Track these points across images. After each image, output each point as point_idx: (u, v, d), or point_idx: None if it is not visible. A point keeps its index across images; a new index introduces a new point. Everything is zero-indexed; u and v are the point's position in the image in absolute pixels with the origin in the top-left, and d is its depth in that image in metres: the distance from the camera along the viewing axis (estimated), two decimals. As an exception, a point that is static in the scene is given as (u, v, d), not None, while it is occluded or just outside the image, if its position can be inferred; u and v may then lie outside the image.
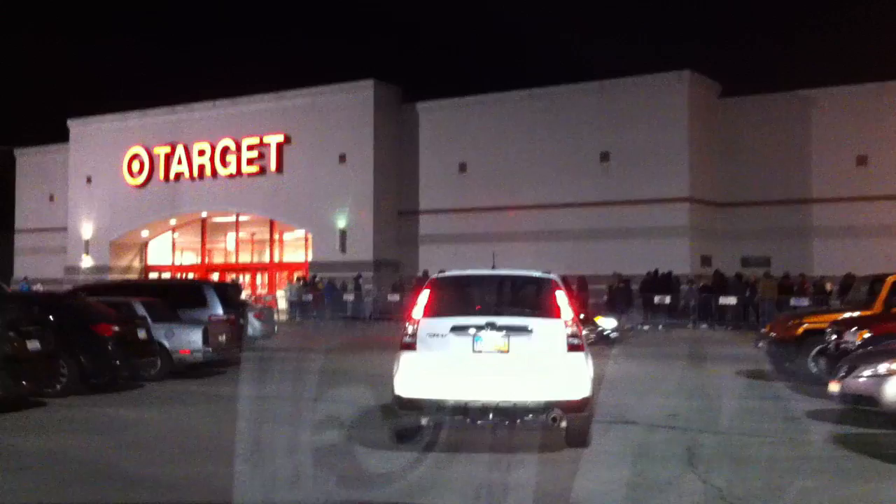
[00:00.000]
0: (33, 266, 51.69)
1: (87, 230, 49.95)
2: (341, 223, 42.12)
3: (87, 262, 49.77)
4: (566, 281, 13.72)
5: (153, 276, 50.51)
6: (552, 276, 9.90)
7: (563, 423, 9.12)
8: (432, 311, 9.40)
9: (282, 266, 46.59)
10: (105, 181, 48.98)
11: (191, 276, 47.04)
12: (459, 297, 9.86)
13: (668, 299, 32.31)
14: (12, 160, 55.00)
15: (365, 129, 41.47)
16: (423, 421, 9.30)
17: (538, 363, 9.02)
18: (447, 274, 10.08)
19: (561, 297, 9.42)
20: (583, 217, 37.69)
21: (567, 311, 9.31)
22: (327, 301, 39.41)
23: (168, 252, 50.43)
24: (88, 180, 49.76)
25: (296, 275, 43.43)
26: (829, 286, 31.60)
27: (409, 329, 9.37)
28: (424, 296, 9.54)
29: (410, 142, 42.17)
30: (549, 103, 39.07)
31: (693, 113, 36.70)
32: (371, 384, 14.30)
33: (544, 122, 38.94)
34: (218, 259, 49.49)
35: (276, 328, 25.50)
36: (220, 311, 19.24)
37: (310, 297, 40.13)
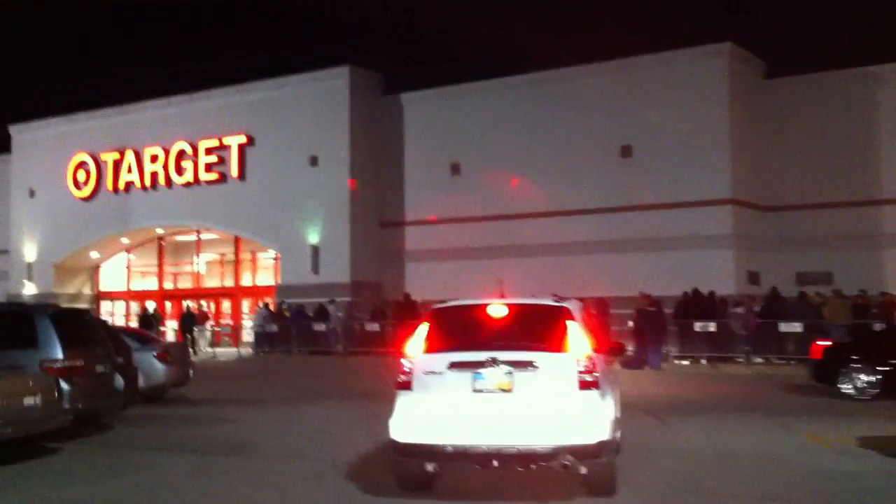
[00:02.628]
0: (-25, 294, 45.06)
1: (30, 251, 43.51)
2: (313, 238, 35.49)
3: (29, 288, 43.26)
4: (588, 308, 11.71)
5: (106, 304, 44.04)
6: (565, 304, 9.12)
7: (583, 470, 8.45)
8: (430, 345, 8.82)
9: (248, 291, 39.95)
10: (49, 194, 42.59)
11: (150, 305, 40.47)
12: (460, 330, 9.10)
13: (712, 326, 25.51)
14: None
15: (340, 126, 34.95)
16: (429, 467, 8.69)
17: (546, 403, 8.33)
18: (447, 304, 9.40)
19: (573, 328, 8.67)
20: (601, 225, 30.94)
21: (580, 343, 8.57)
22: (295, 332, 32.75)
23: (122, 276, 43.89)
24: (31, 193, 43.37)
25: (261, 301, 36.77)
26: (917, 306, 24.77)
27: (405, 366, 8.73)
28: (423, 329, 8.95)
29: (394, 140, 35.59)
30: (557, 89, 32.43)
31: (735, 96, 29.99)
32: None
33: (552, 112, 32.30)
34: (184, 284, 42.95)
35: (191, 371, 18.82)
36: (58, 352, 12.54)
37: (273, 327, 33.46)
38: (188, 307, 37.58)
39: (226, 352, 35.41)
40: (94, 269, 44.06)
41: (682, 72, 30.24)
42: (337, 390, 20.74)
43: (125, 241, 42.48)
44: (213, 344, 37.30)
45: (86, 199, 41.40)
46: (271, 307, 35.06)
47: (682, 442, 12.39)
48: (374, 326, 31.74)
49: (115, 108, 40.80)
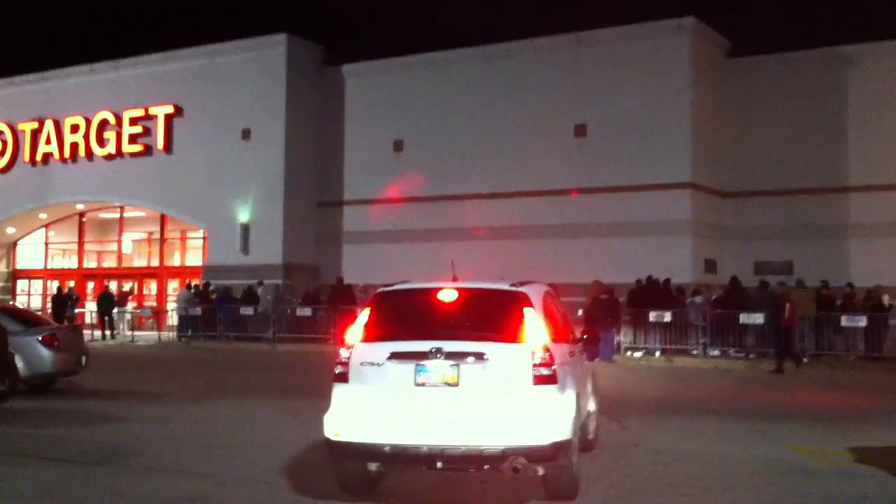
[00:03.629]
0: None
1: (-60, 227, 40.38)
2: (244, 217, 33.07)
3: (-61, 266, 40.20)
4: (552, 294, 9.36)
5: (22, 283, 41.13)
6: (522, 289, 8.11)
7: (540, 472, 7.62)
8: (371, 333, 7.92)
9: (174, 271, 37.37)
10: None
11: (70, 284, 37.69)
12: (405, 317, 8.18)
13: (668, 316, 23.72)
14: None
15: (275, 98, 32.57)
16: (372, 466, 7.80)
17: (495, 399, 7.53)
18: (392, 288, 8.40)
19: (530, 316, 7.80)
20: (553, 208, 29.03)
21: (536, 333, 7.71)
22: (221, 316, 30.33)
23: (40, 254, 40.97)
24: (-57, 164, 40.13)
25: (189, 282, 34.23)
26: (886, 298, 23.23)
27: (342, 356, 7.83)
28: (364, 315, 8.05)
29: (333, 114, 33.29)
30: (508, 63, 30.40)
31: (697, 74, 28.25)
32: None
33: (503, 88, 30.27)
34: (108, 263, 40.21)
35: (83, 358, 16.45)
36: None
37: (198, 310, 30.99)
38: (106, 287, 34.95)
39: (148, 336, 32.92)
40: (11, 246, 41.07)
41: (642, 48, 28.39)
42: (259, 382, 18.63)
43: (44, 216, 39.59)
44: (135, 327, 34.73)
45: (1, 171, 38.44)
46: (199, 288, 32.60)
47: (647, 449, 10.47)
48: (305, 311, 29.47)
49: (35, 74, 37.86)
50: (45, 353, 15.41)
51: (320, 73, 33.57)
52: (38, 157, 37.42)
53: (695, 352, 23.66)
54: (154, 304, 37.44)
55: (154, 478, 8.94)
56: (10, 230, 40.22)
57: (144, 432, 11.81)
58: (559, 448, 7.44)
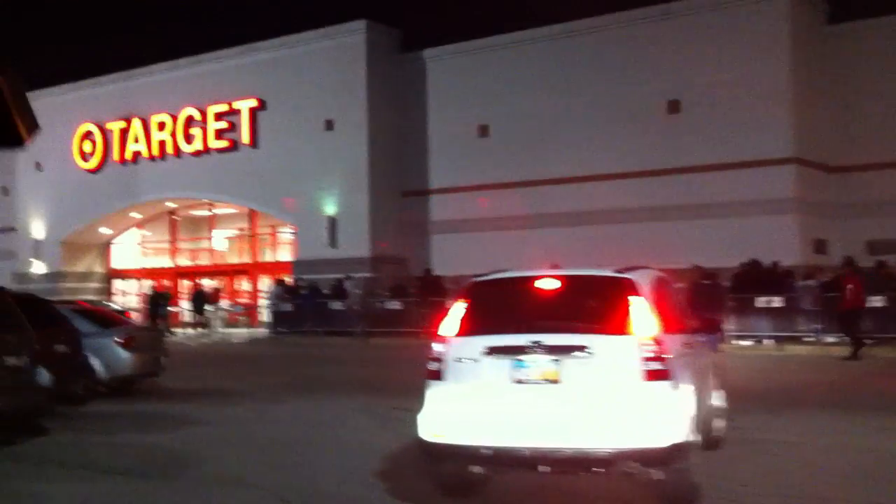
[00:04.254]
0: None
1: (37, 228, 41.13)
2: (330, 209, 32.61)
3: (37, 267, 40.92)
4: (665, 280, 8.48)
5: (117, 282, 41.65)
6: (629, 275, 7.37)
7: (657, 476, 6.84)
8: (466, 327, 7.36)
9: (265, 267, 37.21)
10: (55, 167, 40.07)
11: (164, 283, 37.94)
12: (502, 308, 7.66)
13: (777, 301, 22.24)
14: (-41, 148, 46.35)
15: (356, 87, 31.98)
16: (475, 469, 7.25)
17: (602, 397, 6.84)
18: (488, 277, 7.82)
19: (638, 304, 7.04)
20: (645, 190, 27.71)
21: (646, 323, 6.96)
22: (309, 311, 29.95)
23: (135, 253, 41.42)
24: (38, 167, 40.82)
25: (281, 279, 33.95)
26: None
27: (436, 351, 7.30)
28: (459, 307, 7.49)
29: (416, 101, 32.52)
30: (595, 39, 29.15)
31: (796, 42, 26.56)
32: None
33: (589, 66, 29.05)
34: (201, 261, 40.40)
35: (162, 359, 16.01)
36: None
37: (288, 306, 30.70)
38: (199, 285, 34.99)
39: (241, 332, 32.83)
40: (105, 246, 41.62)
41: (736, 15, 26.81)
42: (345, 379, 17.92)
43: (135, 215, 39.96)
44: (228, 324, 34.73)
45: (93, 172, 38.89)
46: (288, 284, 32.34)
47: (775, 445, 9.42)
48: (395, 305, 28.84)
49: (120, 73, 38.14)
50: (122, 354, 14.98)
51: (401, 59, 32.85)
52: (128, 155, 37.71)
53: (807, 339, 22.14)
54: (246, 300, 37.39)
55: (212, 492, 8.26)
56: (104, 230, 40.71)
57: (217, 437, 11.21)
58: (676, 450, 6.77)
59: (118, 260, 41.69)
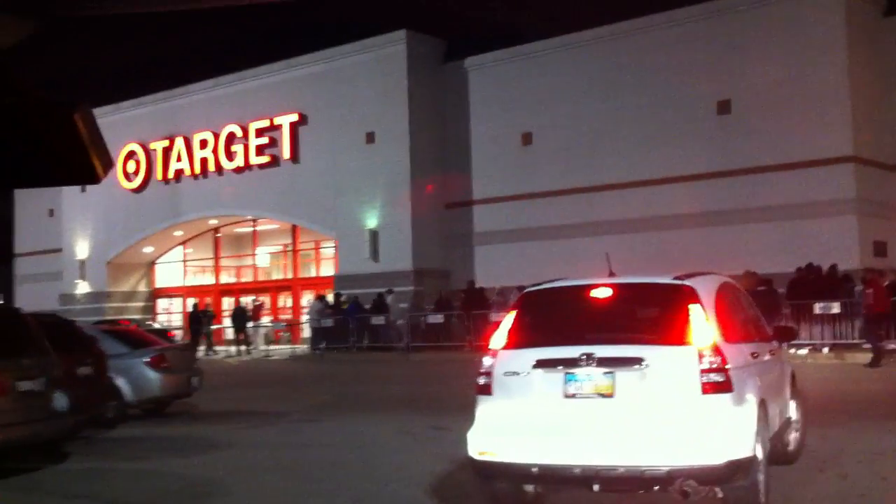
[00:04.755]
0: (34, 294, 42.76)
1: (82, 249, 41.20)
2: (372, 223, 32.07)
3: (82, 287, 40.96)
4: (733, 287, 8.14)
5: (162, 301, 41.53)
6: (688, 282, 7.00)
7: (720, 494, 6.61)
8: (516, 339, 7.13)
9: (307, 282, 36.77)
10: (100, 188, 39.91)
11: (207, 301, 37.70)
12: (554, 319, 7.44)
13: (835, 307, 21.17)
14: (7, 171, 46.68)
15: (397, 98, 31.44)
16: (528, 488, 7.14)
17: (657, 412, 6.54)
18: (540, 287, 7.56)
19: (697, 313, 6.70)
20: (696, 195, 26.71)
21: (705, 333, 6.60)
22: (352, 326, 29.39)
23: (178, 272, 41.27)
24: (82, 188, 40.83)
25: (324, 293, 33.46)
26: None
27: (486, 365, 7.05)
28: (509, 318, 7.28)
29: (458, 111, 31.89)
30: (640, 42, 28.26)
31: (852, 35, 25.46)
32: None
33: (634, 69, 28.16)
34: (244, 278, 40.14)
35: (195, 379, 15.45)
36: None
37: (329, 321, 30.17)
38: (239, 302, 34.64)
39: (283, 350, 32.39)
40: (150, 266, 41.55)
41: (788, 9, 25.78)
42: (384, 397, 17.31)
43: (179, 233, 39.82)
44: (271, 341, 34.32)
45: (136, 191, 38.84)
46: (329, 300, 31.84)
47: (853, 460, 8.59)
48: (438, 318, 28.18)
49: (163, 93, 38.06)
50: (151, 375, 14.47)
51: (441, 69, 32.27)
52: (171, 174, 37.60)
53: (867, 346, 21.01)
54: (289, 316, 36.99)
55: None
56: (148, 249, 40.64)
57: (245, 462, 10.60)
58: (736, 467, 6.46)
59: (162, 279, 41.59)
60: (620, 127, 28.24)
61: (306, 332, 33.46)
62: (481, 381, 7.08)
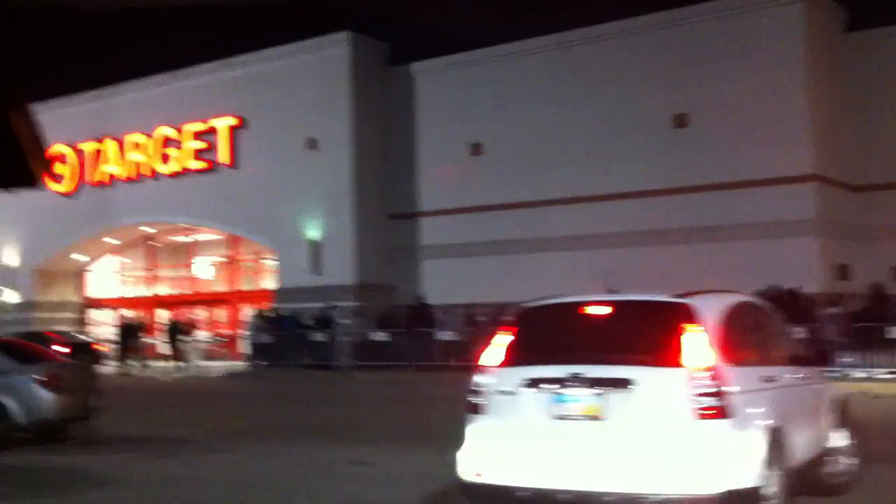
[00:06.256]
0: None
1: (10, 255, 39.03)
2: (313, 233, 30.51)
3: (10, 296, 38.77)
4: (749, 305, 7.87)
5: (94, 312, 39.47)
6: (688, 300, 6.81)
7: None
8: (509, 357, 7.05)
9: (246, 296, 35.04)
10: (28, 190, 37.88)
11: (138, 313, 35.83)
12: (545, 337, 7.31)
13: (799, 331, 20.00)
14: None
15: (340, 102, 29.99)
16: None
17: (649, 436, 6.37)
18: (538, 303, 7.51)
19: (692, 332, 6.52)
20: (650, 212, 25.60)
21: (699, 354, 6.43)
22: (290, 343, 27.82)
23: (111, 282, 39.26)
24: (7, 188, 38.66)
25: (260, 309, 31.78)
26: None
27: (476, 383, 7.02)
28: (504, 335, 7.18)
29: (404, 117, 30.48)
30: (594, 50, 27.15)
31: (813, 51, 24.61)
32: None
33: (589, 79, 27.03)
34: (181, 289, 38.21)
35: (91, 400, 13.74)
36: None
37: (269, 337, 28.57)
38: (173, 316, 32.86)
39: (219, 366, 30.71)
40: (80, 274, 39.49)
41: (747, 23, 24.83)
42: (314, 422, 15.84)
43: (111, 240, 37.86)
44: (207, 356, 32.57)
45: (67, 195, 36.78)
46: (267, 314, 30.24)
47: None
48: (381, 336, 26.72)
49: (92, 91, 36.08)
50: (44, 395, 12.83)
51: (388, 74, 30.86)
52: (102, 177, 35.68)
53: (834, 372, 19.91)
54: (227, 331, 35.23)
55: None
56: (79, 257, 38.61)
57: (128, 503, 9.03)
58: (735, 498, 6.27)
59: (94, 288, 39.55)
60: (573, 139, 27.08)
61: (244, 347, 31.84)
62: (471, 399, 6.97)
